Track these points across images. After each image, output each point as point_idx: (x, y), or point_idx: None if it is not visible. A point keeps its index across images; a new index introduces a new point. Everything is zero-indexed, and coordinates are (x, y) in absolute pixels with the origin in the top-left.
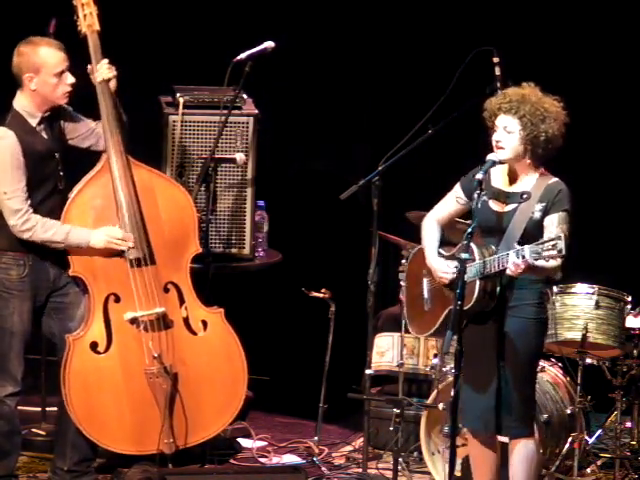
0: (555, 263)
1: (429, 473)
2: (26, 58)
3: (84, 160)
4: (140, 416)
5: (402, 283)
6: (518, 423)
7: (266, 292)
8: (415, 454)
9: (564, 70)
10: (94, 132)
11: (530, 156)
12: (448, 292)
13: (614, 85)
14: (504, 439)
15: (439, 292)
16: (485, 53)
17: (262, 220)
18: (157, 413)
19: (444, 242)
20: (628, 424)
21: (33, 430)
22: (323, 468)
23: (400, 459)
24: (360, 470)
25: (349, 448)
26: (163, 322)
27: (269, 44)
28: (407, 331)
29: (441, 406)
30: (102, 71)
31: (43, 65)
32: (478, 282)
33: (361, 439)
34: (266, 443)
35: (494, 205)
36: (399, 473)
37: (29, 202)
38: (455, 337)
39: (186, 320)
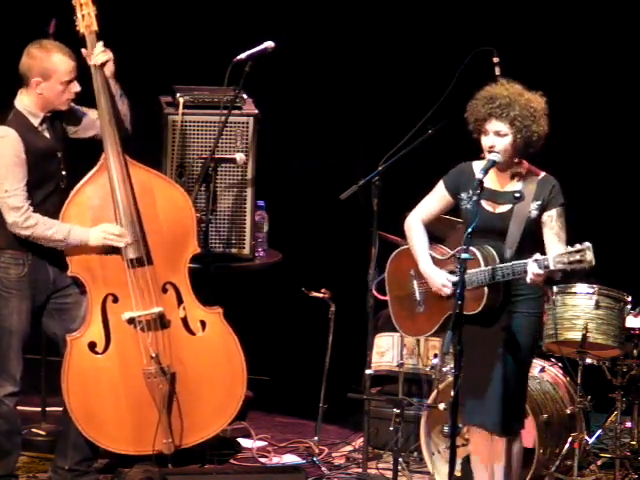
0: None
1: (429, 473)
2: (37, 62)
3: (87, 159)
4: (138, 416)
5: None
6: (514, 419)
7: (266, 292)
8: (415, 454)
9: (564, 70)
10: (96, 122)
11: (521, 155)
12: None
13: (614, 85)
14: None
15: (433, 294)
16: (485, 53)
17: (262, 220)
18: (155, 413)
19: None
20: (628, 424)
21: (33, 430)
22: (323, 468)
23: (400, 459)
24: (360, 470)
25: (349, 448)
26: (161, 322)
27: (269, 44)
28: None
29: (441, 406)
30: (97, 55)
31: (54, 72)
32: (487, 289)
33: (361, 439)
34: (266, 443)
35: (487, 206)
36: (399, 473)
37: (29, 201)
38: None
39: (184, 320)
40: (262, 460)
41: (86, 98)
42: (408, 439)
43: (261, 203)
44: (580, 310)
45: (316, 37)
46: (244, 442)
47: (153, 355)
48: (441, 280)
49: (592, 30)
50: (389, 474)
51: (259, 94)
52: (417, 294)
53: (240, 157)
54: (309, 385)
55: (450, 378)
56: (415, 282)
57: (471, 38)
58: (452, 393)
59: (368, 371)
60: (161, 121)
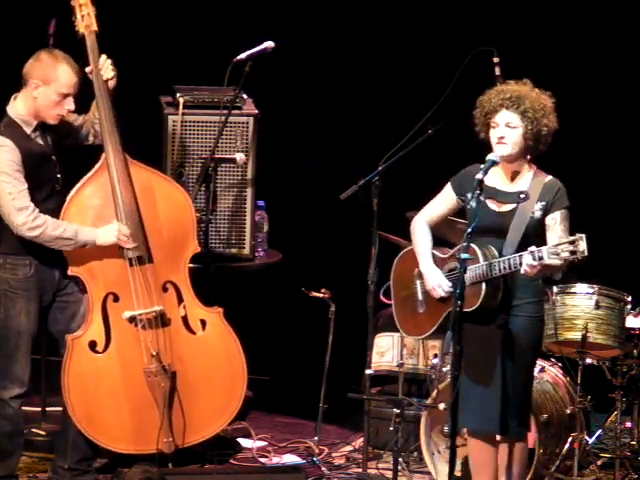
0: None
1: (429, 473)
2: (42, 66)
3: (84, 161)
4: (139, 415)
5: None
6: (519, 422)
7: (266, 292)
8: (415, 454)
9: (564, 70)
10: (83, 126)
11: (530, 152)
12: (444, 302)
13: (614, 85)
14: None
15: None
16: (485, 53)
17: (262, 220)
18: (156, 412)
19: (437, 243)
20: (628, 424)
21: (33, 430)
22: (323, 468)
23: (400, 459)
24: (360, 470)
25: (349, 448)
26: (161, 320)
27: (269, 44)
28: None
29: (441, 406)
30: (106, 70)
31: (54, 80)
32: (484, 284)
33: (361, 439)
34: (266, 443)
35: (491, 205)
36: (399, 473)
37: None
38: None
39: (185, 319)
40: (262, 460)
41: (84, 104)
42: (408, 439)
43: (261, 203)
44: (580, 310)
45: (316, 37)
46: (244, 442)
47: (154, 353)
48: (437, 281)
49: (592, 30)
50: (389, 474)
51: (259, 94)
52: (419, 294)
53: (240, 157)
54: (309, 385)
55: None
56: (418, 282)
57: (471, 38)
58: (452, 393)
59: (368, 371)
60: (161, 121)
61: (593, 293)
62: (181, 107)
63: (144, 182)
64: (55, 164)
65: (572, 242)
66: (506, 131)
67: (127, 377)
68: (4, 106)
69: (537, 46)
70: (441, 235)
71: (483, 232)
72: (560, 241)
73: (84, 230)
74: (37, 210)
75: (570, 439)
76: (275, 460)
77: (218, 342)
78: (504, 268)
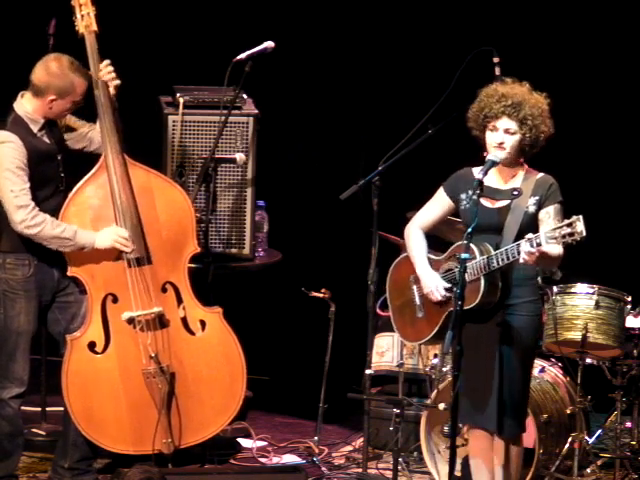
0: (560, 250)
1: (429, 473)
2: (56, 82)
3: (86, 161)
4: (138, 416)
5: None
6: (515, 422)
7: (266, 292)
8: (415, 454)
9: (563, 70)
10: (86, 136)
11: (525, 155)
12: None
13: (614, 84)
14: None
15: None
16: (485, 53)
17: (262, 220)
18: (155, 413)
19: (437, 243)
20: (628, 424)
21: (33, 430)
22: (323, 468)
23: (400, 459)
24: (360, 470)
25: (349, 448)
26: (160, 322)
27: (269, 44)
28: None
29: (441, 406)
30: (105, 73)
31: (70, 93)
32: (483, 281)
33: (361, 439)
34: (266, 443)
35: (486, 202)
36: (399, 473)
37: (34, 203)
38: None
39: (184, 320)
40: (262, 460)
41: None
42: (408, 439)
43: (261, 203)
44: (580, 310)
45: (316, 37)
46: (244, 442)
47: (152, 355)
48: (434, 283)
49: (592, 30)
50: (389, 474)
51: (259, 94)
52: (417, 299)
53: (240, 157)
54: (309, 385)
55: (450, 378)
56: (415, 287)
57: (471, 38)
58: (452, 393)
59: (368, 371)
60: (161, 121)
61: (593, 293)
62: (181, 107)
63: (143, 183)
64: (59, 163)
65: (569, 224)
66: (505, 137)
67: (126, 378)
68: (4, 106)
69: (537, 46)
70: (441, 235)
71: (479, 230)
72: (557, 225)
73: (83, 233)
74: (37, 208)
75: (570, 439)
76: (275, 460)
77: (218, 342)
78: (502, 260)
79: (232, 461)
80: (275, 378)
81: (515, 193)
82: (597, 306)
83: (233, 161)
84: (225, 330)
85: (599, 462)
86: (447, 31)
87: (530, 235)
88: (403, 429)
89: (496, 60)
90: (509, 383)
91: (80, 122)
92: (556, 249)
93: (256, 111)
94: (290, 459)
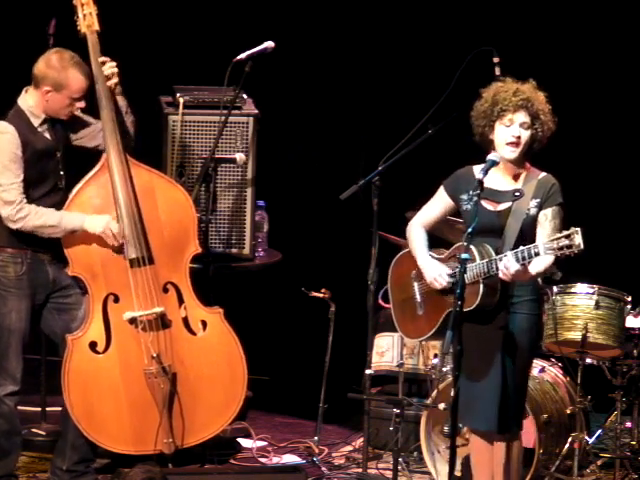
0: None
1: (429, 473)
2: (53, 73)
3: (87, 159)
4: (139, 416)
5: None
6: (514, 421)
7: (266, 292)
8: (415, 454)
9: (563, 70)
10: (100, 132)
11: (529, 153)
12: (444, 297)
13: (614, 84)
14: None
15: (432, 296)
16: (485, 53)
17: (262, 220)
18: (156, 413)
19: (437, 243)
20: (628, 424)
21: (33, 430)
22: (323, 468)
23: (400, 459)
24: (360, 470)
25: (349, 448)
26: (162, 322)
27: (269, 44)
28: None
29: (441, 406)
30: (107, 68)
31: (66, 87)
32: (482, 283)
33: (361, 439)
34: (266, 443)
35: (487, 205)
36: (399, 473)
37: (24, 196)
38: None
39: (185, 320)
40: (262, 460)
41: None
42: (408, 439)
43: (261, 203)
44: (580, 310)
45: (316, 38)
46: (244, 442)
47: (154, 355)
48: (437, 271)
49: (592, 30)
50: (389, 474)
51: (259, 94)
52: (418, 296)
53: (240, 157)
54: (309, 385)
55: (450, 378)
56: (416, 284)
57: (471, 38)
58: (452, 393)
59: (368, 371)
60: (161, 121)
61: (593, 293)
62: (181, 107)
63: (145, 183)
64: (59, 160)
65: (567, 236)
66: (521, 131)
67: (127, 378)
68: (4, 106)
69: (537, 46)
70: (441, 235)
71: (480, 232)
72: (555, 235)
73: (69, 216)
74: (24, 202)
75: (570, 439)
76: (275, 460)
77: (219, 343)
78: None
79: (232, 461)
80: (275, 378)
81: (517, 194)
82: (597, 306)
83: (233, 161)
84: (226, 330)
85: (599, 462)
86: (447, 31)
87: (522, 247)
88: (403, 429)
89: (496, 60)
90: (509, 382)
91: (94, 119)
92: (543, 265)
93: (256, 111)
94: (290, 459)
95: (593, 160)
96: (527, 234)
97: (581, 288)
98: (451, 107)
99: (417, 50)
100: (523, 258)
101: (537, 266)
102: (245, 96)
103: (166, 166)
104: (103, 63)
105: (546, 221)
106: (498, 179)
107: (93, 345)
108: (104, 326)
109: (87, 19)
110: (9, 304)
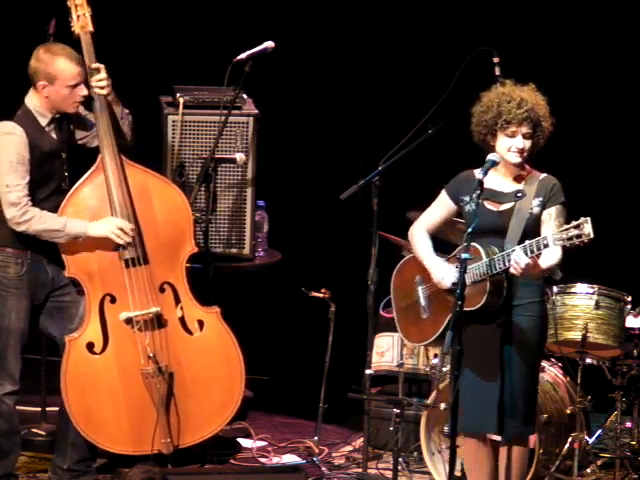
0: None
1: (429, 473)
2: (43, 66)
3: (88, 160)
4: (137, 416)
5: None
6: (522, 425)
7: (266, 292)
8: (415, 454)
9: (563, 70)
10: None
11: (530, 155)
12: (450, 297)
13: (613, 84)
14: (497, 438)
15: (438, 298)
16: (485, 53)
17: (262, 220)
18: (154, 413)
19: (438, 244)
20: (628, 424)
21: (33, 430)
22: (323, 468)
23: (400, 459)
24: (360, 470)
25: (349, 448)
26: (158, 322)
27: (269, 44)
28: None
29: (441, 406)
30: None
31: (57, 77)
32: (488, 282)
33: (361, 439)
34: (266, 443)
35: (489, 205)
36: (399, 473)
37: (29, 197)
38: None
39: (182, 320)
40: (262, 460)
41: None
42: (408, 439)
43: (261, 203)
44: (580, 310)
45: (316, 38)
46: (244, 442)
47: (150, 355)
48: (444, 270)
49: (592, 30)
50: (389, 474)
51: (259, 94)
52: (422, 300)
53: (240, 157)
54: (309, 385)
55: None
56: (420, 288)
57: (471, 38)
58: (452, 393)
59: (368, 371)
60: (161, 121)
61: (593, 293)
62: (181, 107)
63: (140, 183)
64: (64, 161)
65: (577, 226)
66: (524, 142)
67: (125, 378)
68: (4, 106)
69: (537, 46)
70: (442, 236)
71: (483, 232)
72: (564, 227)
73: (73, 222)
74: (29, 204)
75: (570, 439)
76: (275, 460)
77: (216, 342)
78: (508, 262)
79: (232, 461)
80: (275, 378)
81: (519, 195)
82: (597, 306)
83: (233, 161)
84: (223, 330)
85: (599, 462)
86: (447, 31)
87: (527, 241)
88: (403, 429)
89: (496, 60)
90: (513, 385)
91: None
92: (554, 258)
93: (256, 111)
94: (290, 459)
95: (593, 160)
96: (530, 234)
97: (581, 288)
98: (451, 107)
99: (417, 50)
100: (532, 251)
101: (548, 260)
102: (245, 96)
103: (166, 166)
104: (97, 70)
105: (550, 220)
106: (499, 181)
107: (90, 346)
108: (101, 327)
109: (81, 20)
110: (9, 304)
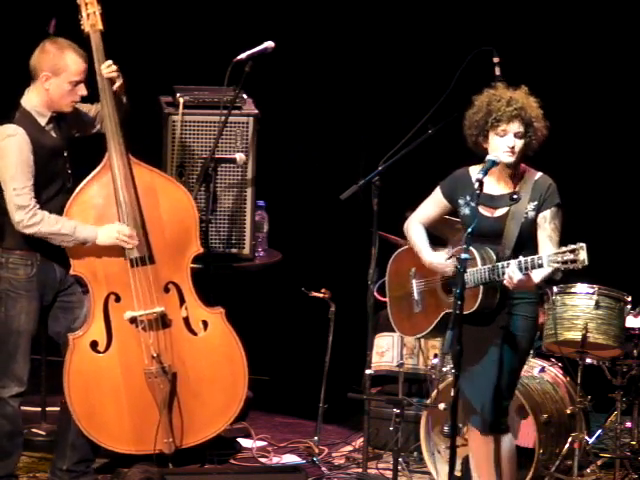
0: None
1: (429, 473)
2: (49, 57)
3: (92, 158)
4: (139, 415)
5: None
6: (504, 418)
7: (266, 292)
8: (415, 454)
9: (563, 70)
10: (96, 118)
11: (523, 157)
12: (444, 295)
13: (613, 84)
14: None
15: (431, 294)
16: (485, 53)
17: (262, 220)
18: (156, 413)
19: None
20: (628, 424)
21: (33, 430)
22: (323, 468)
23: (400, 459)
24: (360, 470)
25: (349, 448)
26: (162, 322)
27: (269, 44)
28: None
29: (442, 406)
30: (104, 70)
31: (64, 70)
32: (482, 287)
33: (361, 439)
34: (266, 443)
35: (484, 211)
36: (399, 473)
37: (36, 200)
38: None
39: (186, 320)
40: (262, 460)
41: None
42: (408, 439)
43: (261, 203)
44: (580, 310)
45: (316, 38)
46: (244, 442)
47: (154, 355)
48: (442, 256)
49: (592, 30)
50: (389, 474)
51: (259, 94)
52: (415, 293)
53: (240, 157)
54: (309, 385)
55: (450, 378)
56: (414, 281)
57: (471, 38)
58: (452, 393)
59: (368, 371)
60: (161, 121)
61: (593, 293)
62: (181, 107)
63: (147, 182)
64: (66, 160)
65: (572, 251)
66: (515, 141)
67: (128, 377)
68: (4, 106)
69: (537, 46)
70: (440, 235)
71: (479, 237)
72: (561, 249)
73: (83, 228)
74: (37, 207)
75: (570, 439)
76: (275, 460)
77: (220, 343)
78: (503, 273)
79: (232, 461)
80: (275, 378)
81: (515, 197)
82: (597, 306)
83: (233, 161)
84: (227, 331)
85: (599, 462)
86: (447, 31)
87: (522, 258)
88: (403, 429)
89: (496, 60)
90: (502, 382)
91: (89, 105)
92: (546, 271)
93: (256, 111)
94: (290, 459)
95: (592, 160)
96: (526, 237)
97: (581, 288)
98: (451, 107)
99: (417, 50)
100: (526, 268)
101: (540, 274)
102: (245, 96)
103: (166, 166)
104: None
105: (545, 223)
106: (493, 184)
107: (94, 344)
108: (105, 325)
109: (91, 18)
110: (18, 306)
